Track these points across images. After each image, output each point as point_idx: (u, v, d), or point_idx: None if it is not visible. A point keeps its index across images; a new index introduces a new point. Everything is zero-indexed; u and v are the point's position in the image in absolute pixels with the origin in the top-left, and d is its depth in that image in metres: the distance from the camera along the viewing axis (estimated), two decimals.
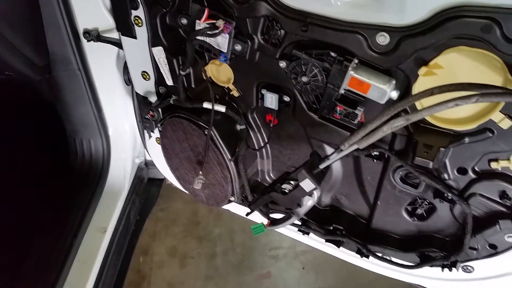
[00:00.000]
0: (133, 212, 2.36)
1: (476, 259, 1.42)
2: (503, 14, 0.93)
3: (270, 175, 1.78)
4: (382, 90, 1.14)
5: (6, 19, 1.65)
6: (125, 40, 1.58)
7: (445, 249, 1.44)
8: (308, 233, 1.72)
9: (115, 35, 1.71)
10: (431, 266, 1.48)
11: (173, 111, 1.62)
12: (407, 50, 1.08)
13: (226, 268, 3.21)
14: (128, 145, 2.28)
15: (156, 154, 1.97)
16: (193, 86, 1.57)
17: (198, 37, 1.35)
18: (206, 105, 1.52)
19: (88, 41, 1.77)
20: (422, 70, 1.08)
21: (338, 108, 1.29)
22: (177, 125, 1.62)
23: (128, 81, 1.90)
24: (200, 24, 1.32)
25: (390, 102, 1.17)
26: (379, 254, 1.56)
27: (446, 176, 1.31)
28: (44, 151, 2.35)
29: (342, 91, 1.24)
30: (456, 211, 1.37)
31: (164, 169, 2.01)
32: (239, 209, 1.93)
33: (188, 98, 1.58)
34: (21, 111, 2.26)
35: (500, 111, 1.10)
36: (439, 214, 1.42)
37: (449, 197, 1.34)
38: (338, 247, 1.65)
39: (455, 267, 1.43)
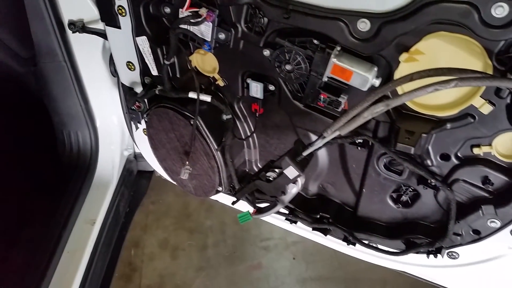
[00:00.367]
0: (122, 204, 2.36)
1: (461, 245, 1.43)
2: None
3: (258, 165, 1.78)
4: (364, 77, 1.15)
5: None
6: (110, 30, 1.57)
7: (430, 236, 1.45)
8: (295, 222, 1.72)
9: (100, 26, 1.70)
10: (417, 253, 1.49)
11: (159, 101, 1.62)
12: (387, 36, 1.08)
13: (217, 259, 3.22)
14: (116, 137, 2.27)
15: (144, 146, 1.97)
16: (178, 76, 1.56)
17: (182, 26, 1.34)
18: (192, 94, 1.51)
19: (73, 32, 1.76)
20: (403, 56, 1.09)
21: (322, 96, 1.30)
22: (162, 115, 1.62)
23: (114, 72, 1.89)
24: (183, 13, 1.32)
25: (373, 89, 1.17)
26: (366, 242, 1.58)
27: (429, 162, 1.32)
28: (32, 143, 2.34)
29: (325, 79, 1.25)
30: (440, 197, 1.39)
31: (152, 161, 2.00)
32: (228, 200, 1.93)
33: (173, 88, 1.58)
34: (7, 103, 2.25)
35: (480, 97, 1.10)
36: (424, 200, 1.43)
37: (433, 184, 1.35)
38: (325, 235, 1.65)
39: (440, 253, 1.45)
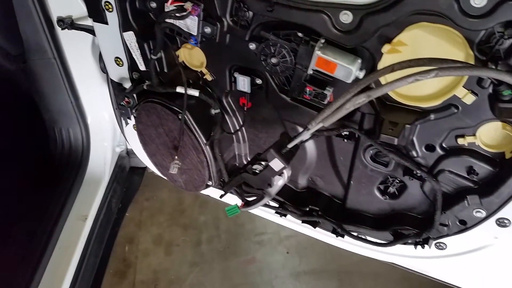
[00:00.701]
0: (114, 200, 2.37)
1: (448, 235, 1.44)
2: None
3: (248, 159, 1.79)
4: (348, 69, 1.15)
5: None
6: (97, 26, 1.57)
7: (418, 227, 1.46)
8: (285, 215, 1.73)
9: (89, 22, 1.69)
10: (405, 244, 1.50)
11: (147, 96, 1.62)
12: (370, 28, 1.09)
13: (211, 254, 3.23)
14: (108, 134, 2.28)
15: (135, 142, 1.97)
16: (166, 70, 1.56)
17: (167, 20, 1.35)
18: (179, 89, 1.51)
19: (62, 29, 1.76)
20: (386, 48, 1.10)
21: (308, 89, 1.31)
22: (151, 110, 1.62)
23: (104, 68, 1.89)
24: (168, 7, 1.32)
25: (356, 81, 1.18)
26: (355, 234, 1.59)
27: (414, 153, 1.33)
28: (23, 140, 2.34)
29: (310, 72, 1.26)
30: (426, 188, 1.40)
31: (143, 157, 2.01)
32: (218, 194, 1.93)
33: (161, 83, 1.58)
34: None
35: (463, 87, 1.11)
36: (410, 192, 1.44)
37: (419, 175, 1.36)
38: (314, 227, 1.66)
39: (427, 244, 1.46)
